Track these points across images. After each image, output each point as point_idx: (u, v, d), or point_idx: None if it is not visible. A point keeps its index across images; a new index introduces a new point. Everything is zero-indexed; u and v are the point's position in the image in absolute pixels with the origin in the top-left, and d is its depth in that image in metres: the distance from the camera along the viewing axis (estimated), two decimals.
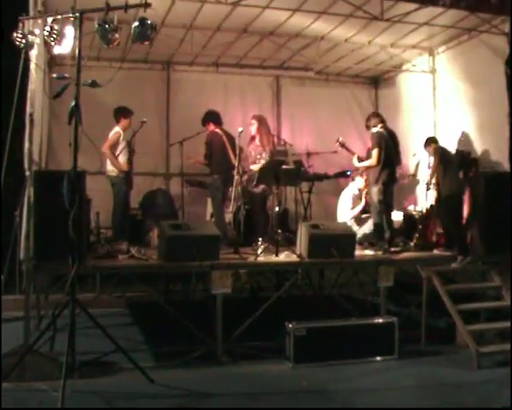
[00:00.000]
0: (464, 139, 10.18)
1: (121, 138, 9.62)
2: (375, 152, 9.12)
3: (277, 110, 13.18)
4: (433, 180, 9.55)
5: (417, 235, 9.78)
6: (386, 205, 9.20)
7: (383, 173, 9.08)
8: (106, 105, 10.50)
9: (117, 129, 9.77)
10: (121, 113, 9.84)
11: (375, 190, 9.15)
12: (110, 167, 9.68)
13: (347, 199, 10.47)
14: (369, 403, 6.16)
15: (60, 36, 6.54)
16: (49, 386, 5.94)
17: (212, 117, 10.38)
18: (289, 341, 7.24)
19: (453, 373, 7.01)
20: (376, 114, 9.97)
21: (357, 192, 10.47)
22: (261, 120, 10.20)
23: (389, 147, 9.23)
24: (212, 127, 10.32)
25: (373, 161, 9.12)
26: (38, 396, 5.82)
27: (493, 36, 9.63)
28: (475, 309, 8.30)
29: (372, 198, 9.31)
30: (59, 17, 6.47)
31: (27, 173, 7.06)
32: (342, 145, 10.03)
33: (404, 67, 12.21)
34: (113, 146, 9.56)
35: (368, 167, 9.46)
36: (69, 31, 6.54)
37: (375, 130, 9.44)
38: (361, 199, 10.42)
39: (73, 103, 6.18)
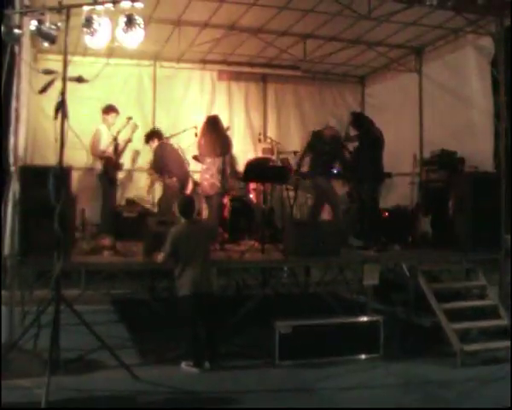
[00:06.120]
0: (450, 138, 10.21)
1: (102, 135, 9.78)
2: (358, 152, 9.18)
3: (264, 108, 13.18)
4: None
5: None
6: (374, 203, 9.23)
7: (369, 172, 9.10)
8: (92, 100, 10.47)
9: (98, 126, 9.90)
10: (112, 109, 9.98)
11: (362, 188, 9.17)
12: (97, 164, 9.74)
13: None
14: (353, 401, 6.19)
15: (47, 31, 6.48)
16: (33, 383, 5.91)
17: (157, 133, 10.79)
18: (275, 338, 7.24)
19: (437, 371, 7.05)
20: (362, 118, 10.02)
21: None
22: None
23: (377, 147, 9.25)
24: (155, 142, 10.62)
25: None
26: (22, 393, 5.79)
27: (479, 36, 9.71)
28: (460, 308, 8.34)
29: (360, 197, 9.33)
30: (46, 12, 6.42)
31: (12, 168, 7.01)
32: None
33: (391, 66, 12.23)
34: (98, 145, 9.73)
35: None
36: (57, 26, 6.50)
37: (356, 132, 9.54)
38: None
39: (60, 98, 6.15)
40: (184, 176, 10.62)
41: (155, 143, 10.61)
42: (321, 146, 9.60)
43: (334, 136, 9.64)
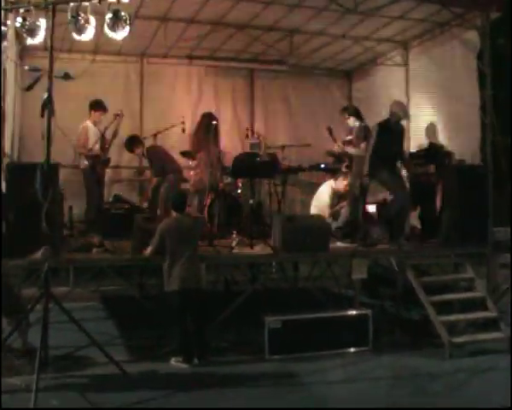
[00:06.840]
0: (437, 132, 10.26)
1: (89, 132, 9.73)
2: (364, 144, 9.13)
3: (251, 103, 13.17)
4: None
5: None
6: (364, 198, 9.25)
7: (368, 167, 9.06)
8: (79, 97, 10.42)
9: (84, 123, 9.84)
10: (99, 106, 9.91)
11: (357, 182, 9.16)
12: (84, 160, 9.71)
13: (325, 194, 10.35)
14: (343, 394, 6.22)
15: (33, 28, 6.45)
16: (23, 381, 5.90)
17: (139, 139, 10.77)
18: (264, 333, 7.26)
19: (425, 363, 7.10)
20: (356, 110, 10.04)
21: (337, 189, 10.31)
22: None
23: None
24: (140, 148, 10.57)
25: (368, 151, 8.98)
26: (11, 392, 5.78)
27: (465, 30, 9.74)
28: (448, 300, 8.38)
29: (352, 191, 9.32)
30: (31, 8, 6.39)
31: None
32: (330, 132, 10.05)
33: (378, 61, 12.27)
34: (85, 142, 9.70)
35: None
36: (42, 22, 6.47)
37: (358, 123, 9.52)
38: (340, 196, 10.32)
39: (46, 95, 6.12)
40: (181, 169, 10.60)
41: (140, 149, 10.59)
42: (388, 136, 8.79)
43: (398, 122, 8.93)
